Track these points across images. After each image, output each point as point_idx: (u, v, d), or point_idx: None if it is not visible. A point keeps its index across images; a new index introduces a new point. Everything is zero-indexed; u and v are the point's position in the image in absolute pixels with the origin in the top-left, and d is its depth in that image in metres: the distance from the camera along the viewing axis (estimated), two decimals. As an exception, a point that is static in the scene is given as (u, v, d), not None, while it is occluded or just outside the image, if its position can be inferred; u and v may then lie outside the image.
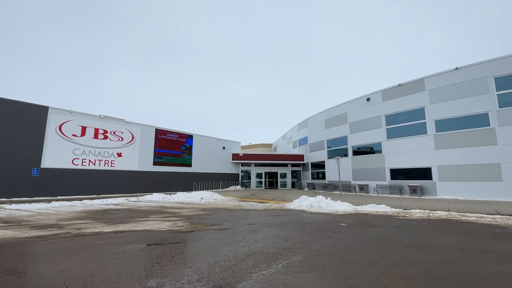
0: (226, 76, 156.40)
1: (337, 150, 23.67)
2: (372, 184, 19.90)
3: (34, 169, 15.95)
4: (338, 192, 19.88)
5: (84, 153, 18.07)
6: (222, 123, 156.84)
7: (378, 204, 11.06)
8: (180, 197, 15.66)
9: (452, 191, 15.27)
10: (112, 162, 19.47)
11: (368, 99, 20.96)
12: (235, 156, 28.35)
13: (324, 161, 25.58)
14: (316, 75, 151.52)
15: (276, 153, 38.54)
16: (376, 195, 18.45)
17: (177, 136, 24.28)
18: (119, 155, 19.91)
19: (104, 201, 13.91)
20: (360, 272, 3.64)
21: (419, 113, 17.42)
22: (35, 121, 16.28)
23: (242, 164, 29.39)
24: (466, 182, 14.85)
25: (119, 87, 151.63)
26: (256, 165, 29.37)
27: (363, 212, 10.24)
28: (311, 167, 27.82)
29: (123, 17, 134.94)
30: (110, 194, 18.58)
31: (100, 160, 18.83)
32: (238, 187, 27.28)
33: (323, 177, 25.52)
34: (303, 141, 30.00)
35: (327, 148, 25.20)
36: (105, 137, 19.37)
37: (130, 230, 6.58)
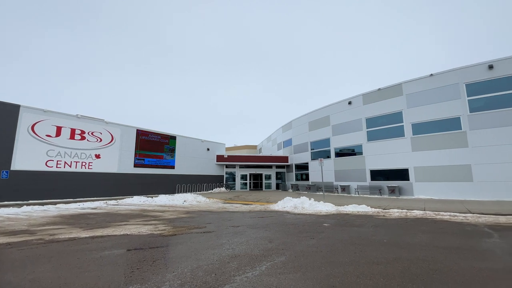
0: (213, 77, 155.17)
1: (320, 152, 24.15)
2: (353, 185, 20.47)
3: (3, 172, 14.91)
4: (321, 193, 20.27)
5: (59, 154, 17.16)
6: (208, 125, 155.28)
7: (359, 205, 11.39)
8: (162, 200, 15.28)
9: (427, 191, 16.06)
10: (90, 164, 18.64)
11: (349, 103, 21.60)
12: (220, 158, 28.13)
13: (307, 163, 26.01)
14: (303, 77, 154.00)
15: (261, 154, 38.67)
16: (357, 195, 19.00)
17: (160, 137, 23.69)
18: (98, 156, 19.11)
19: (81, 205, 13.27)
20: (341, 271, 3.72)
21: (397, 116, 18.20)
22: (5, 120, 15.25)
23: (227, 166, 29.21)
24: (440, 183, 15.68)
25: (106, 88, 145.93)
26: (241, 166, 29.31)
27: (345, 212, 10.50)
28: (295, 168, 28.18)
29: (114, 17, 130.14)
30: (87, 197, 17.76)
31: (76, 162, 17.96)
32: (223, 189, 27.06)
33: (307, 178, 25.93)
34: (288, 143, 30.35)
35: (311, 150, 25.65)
36: (83, 138, 18.52)
37: (109, 235, 6.32)
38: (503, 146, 13.78)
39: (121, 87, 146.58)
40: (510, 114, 13.77)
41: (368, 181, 19.55)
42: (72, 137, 17.97)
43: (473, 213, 9.14)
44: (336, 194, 20.89)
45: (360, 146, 20.54)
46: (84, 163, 18.33)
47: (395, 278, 3.45)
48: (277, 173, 30.55)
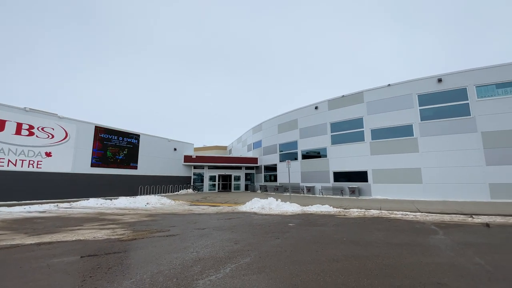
0: (183, 77, 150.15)
1: (288, 154, 24.81)
2: (318, 186, 21.38)
3: None
4: (288, 194, 20.79)
5: (2, 151, 15.14)
6: (177, 124, 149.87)
7: (322, 205, 11.92)
8: (123, 203, 14.34)
9: (383, 192, 17.43)
10: (39, 162, 16.76)
11: (316, 108, 22.56)
12: (188, 158, 27.31)
13: (276, 164, 26.53)
14: (276, 78, 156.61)
15: (231, 155, 38.45)
16: (321, 196, 19.88)
17: (122, 135, 22.23)
18: (48, 154, 17.27)
19: (27, 208, 11.85)
20: (304, 270, 3.85)
21: (359, 122, 19.50)
22: None
23: (195, 167, 28.47)
24: (395, 184, 17.14)
25: (65, 84, 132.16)
26: (210, 167, 28.81)
27: (309, 212, 10.91)
28: (264, 170, 28.54)
29: (81, 12, 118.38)
30: (35, 200, 15.90)
31: (23, 161, 16.01)
32: (190, 190, 26.28)
33: (275, 180, 26.42)
34: (257, 144, 30.63)
35: (279, 151, 26.21)
36: (31, 134, 16.58)
37: (59, 241, 5.74)
38: (448, 152, 15.53)
39: (82, 84, 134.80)
40: (454, 123, 15.58)
41: (331, 183, 20.57)
42: (18, 132, 15.99)
43: (422, 212, 10.12)
44: (302, 194, 21.60)
45: (325, 149, 21.53)
46: (32, 162, 16.42)
47: (352, 274, 3.67)
48: (246, 174, 30.64)
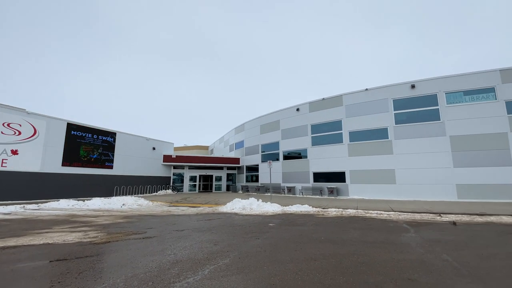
0: (165, 75, 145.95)
1: (270, 155, 24.99)
2: (298, 186, 21.74)
3: None
4: (269, 194, 20.93)
5: (-43, 149, 13.83)
6: (157, 124, 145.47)
7: (302, 205, 12.13)
8: (97, 204, 13.66)
9: (360, 192, 18.09)
10: (4, 161, 15.52)
11: (297, 109, 22.94)
12: (167, 158, 26.59)
13: (258, 165, 26.61)
14: (260, 77, 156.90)
15: (212, 155, 37.99)
16: (301, 196, 20.24)
17: (96, 132, 21.19)
18: (14, 152, 16.04)
19: (-14, 211, 10.92)
20: (282, 269, 3.88)
21: (338, 124, 20.11)
22: None
23: (175, 167, 27.80)
24: (371, 184, 17.85)
25: (38, 79, 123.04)
26: (190, 167, 28.26)
27: (290, 212, 11.05)
28: (246, 170, 28.51)
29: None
30: (-4, 202, 14.70)
31: (-17, 159, 14.75)
32: (169, 191, 25.61)
33: (257, 180, 26.48)
34: (240, 144, 30.54)
35: (261, 152, 26.33)
36: (-7, 130, 15.33)
37: (25, 245, 5.35)
38: (419, 154, 16.44)
39: (55, 80, 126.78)
40: (425, 127, 16.54)
41: (311, 183, 21.00)
42: (-23, 128, 14.70)
43: (395, 211, 10.61)
44: (283, 195, 21.84)
45: (305, 150, 21.94)
46: (-7, 161, 15.17)
47: (329, 273, 3.75)
48: (228, 175, 30.43)
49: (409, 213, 10.13)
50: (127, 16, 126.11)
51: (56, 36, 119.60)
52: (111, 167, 21.90)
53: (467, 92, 15.75)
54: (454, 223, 8.00)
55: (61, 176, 18.45)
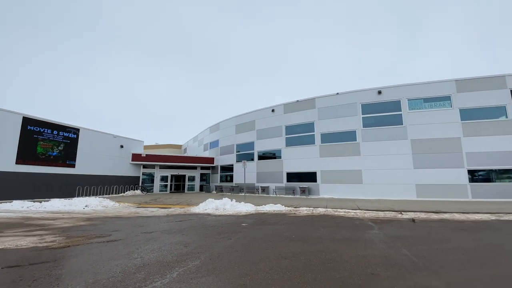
0: (138, 72, 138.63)
1: (245, 155, 25.00)
2: (272, 186, 22.03)
3: None
4: (243, 194, 20.92)
5: None
6: (129, 122, 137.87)
7: (275, 204, 12.30)
8: (56, 205, 12.58)
9: (330, 191, 18.85)
10: None
11: (273, 110, 23.25)
12: (136, 157, 25.31)
13: (233, 165, 26.46)
14: (237, 76, 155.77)
15: (185, 155, 36.97)
16: (275, 195, 20.54)
17: (57, 128, 19.51)
18: (-45, 149, 14.16)
19: None
20: (253, 269, 3.89)
21: (310, 126, 20.77)
22: None
23: (145, 166, 26.55)
24: (340, 184, 18.69)
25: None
26: (162, 167, 27.21)
27: (263, 211, 11.14)
28: (221, 170, 28.20)
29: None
30: None
31: None
32: (138, 191, 24.40)
33: (231, 180, 26.33)
34: (214, 144, 30.12)
35: (236, 152, 26.23)
36: None
37: (-37, 254, 4.74)
38: (384, 156, 17.58)
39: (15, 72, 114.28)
40: (389, 131, 17.74)
41: (284, 183, 21.41)
42: None
43: (361, 210, 11.21)
44: (257, 194, 21.97)
45: (280, 151, 22.31)
46: None
47: (298, 270, 3.84)
48: (202, 175, 29.84)
49: (374, 211, 10.75)
50: (98, 7, 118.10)
51: (11, 20, 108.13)
52: (73, 166, 20.30)
53: (427, 100, 17.18)
54: (413, 220, 8.65)
55: (15, 175, 16.69)
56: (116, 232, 6.83)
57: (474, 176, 15.68)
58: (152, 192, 26.08)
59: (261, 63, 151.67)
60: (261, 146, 23.81)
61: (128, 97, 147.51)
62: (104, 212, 11.56)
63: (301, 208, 11.73)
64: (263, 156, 23.69)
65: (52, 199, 14.12)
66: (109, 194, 21.92)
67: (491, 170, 15.47)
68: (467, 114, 16.24)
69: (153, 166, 26.77)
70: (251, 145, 24.73)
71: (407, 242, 5.63)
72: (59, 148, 19.51)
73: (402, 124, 17.45)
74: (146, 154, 25.82)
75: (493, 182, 15.37)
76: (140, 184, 25.74)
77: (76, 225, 7.96)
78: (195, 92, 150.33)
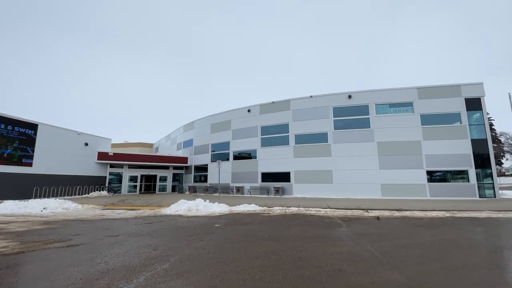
0: (107, 65, 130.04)
1: (221, 154, 24.72)
2: (247, 186, 22.06)
3: None
4: (217, 194, 20.67)
5: None
6: (96, 119, 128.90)
7: (249, 204, 12.33)
8: (9, 208, 11.37)
9: (302, 191, 19.37)
10: None
11: (249, 110, 23.30)
12: (103, 156, 23.78)
13: (207, 164, 26.00)
14: (211, 75, 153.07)
15: (157, 154, 35.55)
16: (250, 195, 20.59)
17: (11, 123, 17.65)
18: None
19: None
20: (225, 270, 3.86)
21: (285, 127, 21.19)
22: None
23: (112, 165, 25.06)
24: (312, 184, 19.29)
25: None
26: (131, 166, 25.89)
27: (237, 212, 11.11)
28: (195, 170, 27.57)
29: None
30: None
31: None
32: (104, 192, 22.96)
33: (206, 180, 25.86)
34: (188, 143, 29.36)
35: (212, 151, 25.83)
36: None
37: None
38: (353, 157, 18.49)
39: None
40: (358, 134, 18.72)
41: (259, 183, 21.56)
42: None
43: (331, 208, 11.66)
44: (231, 195, 21.84)
45: (255, 151, 22.42)
46: None
47: (270, 269, 3.88)
48: (174, 175, 28.90)
49: (343, 210, 11.26)
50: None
51: None
52: (30, 165, 18.51)
53: (392, 105, 18.40)
54: (377, 218, 9.20)
55: (-44, 175, 14.78)
56: (77, 236, 6.36)
57: (432, 176, 17.11)
58: (120, 193, 24.71)
59: (235, 63, 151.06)
60: (236, 146, 23.72)
61: (96, 93, 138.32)
62: (65, 215, 10.71)
63: (274, 208, 11.89)
64: (238, 156, 23.62)
65: (5, 201, 12.74)
66: (71, 196, 20.35)
67: (447, 171, 17.00)
68: (427, 120, 17.67)
69: (121, 166, 25.38)
70: (226, 145, 24.51)
71: (372, 238, 5.97)
72: (14, 145, 17.67)
73: (370, 128, 18.50)
74: (113, 153, 24.38)
75: (448, 182, 16.91)
76: (107, 185, 24.24)
77: (32, 229, 7.27)
78: (168, 90, 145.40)
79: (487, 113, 17.61)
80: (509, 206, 11.62)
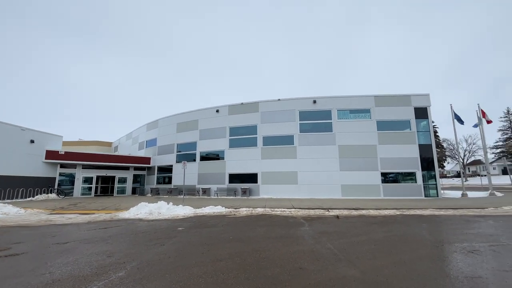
0: (64, 54, 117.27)
1: (187, 155, 23.96)
2: (213, 187, 21.72)
3: None
4: (182, 197, 19.99)
5: None
6: (47, 115, 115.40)
7: (215, 206, 12.15)
8: None
9: (269, 192, 19.73)
10: None
11: (217, 111, 23.01)
12: (52, 154, 21.41)
13: (172, 165, 24.99)
14: (177, 75, 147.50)
15: (116, 153, 33.15)
16: (216, 197, 20.29)
17: None
18: None
19: None
20: (186, 274, 3.73)
21: (253, 129, 21.41)
22: None
23: (63, 165, 22.67)
24: (278, 185, 19.77)
25: None
26: (86, 167, 23.71)
27: (202, 214, 10.86)
28: (158, 171, 26.29)
29: None
30: None
31: None
32: (53, 195, 20.68)
33: (170, 182, 24.81)
34: (152, 142, 27.89)
35: (177, 152, 24.90)
36: None
37: None
38: (316, 159, 19.39)
39: None
40: (321, 137, 19.75)
41: (226, 184, 21.39)
42: None
43: (296, 208, 12.04)
44: (197, 197, 21.29)
45: (223, 152, 22.21)
46: None
47: (233, 271, 3.86)
48: (135, 176, 27.16)
49: (306, 210, 11.70)
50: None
51: None
52: (-44, 164, 15.90)
53: (352, 111, 19.74)
54: (337, 216, 9.74)
55: None
56: (18, 245, 5.64)
57: (386, 177, 18.71)
58: (72, 196, 22.50)
59: (203, 64, 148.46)
60: (204, 147, 23.23)
61: (48, 86, 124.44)
62: (3, 220, 9.40)
63: (241, 209, 11.89)
64: (206, 157, 23.16)
65: None
66: (12, 199, 17.97)
67: (398, 173, 18.72)
68: (382, 126, 19.30)
69: (74, 166, 23.12)
70: (193, 145, 23.86)
71: (331, 236, 6.30)
72: None
73: (332, 131, 19.61)
74: (65, 152, 22.12)
75: (399, 183, 18.63)
76: (56, 187, 21.88)
77: (-44, 240, 6.24)
78: (130, 87, 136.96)
79: (432, 121, 19.86)
80: (449, 204, 13.20)
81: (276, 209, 11.76)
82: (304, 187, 19.14)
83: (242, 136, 21.73)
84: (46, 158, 21.10)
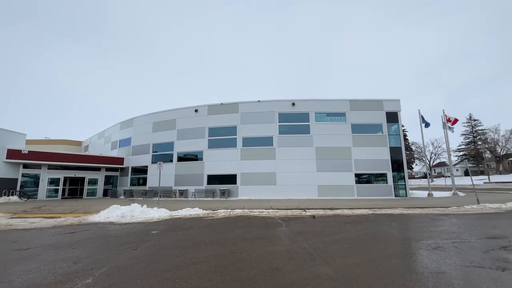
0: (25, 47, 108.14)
1: (163, 155, 23.24)
2: (191, 189, 21.28)
3: None
4: (157, 199, 19.34)
5: None
6: (10, 110, 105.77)
7: (192, 208, 11.89)
8: None
9: (248, 193, 19.75)
10: None
11: (196, 110, 22.60)
12: (14, 154, 19.71)
13: (147, 166, 24.09)
14: (154, 75, 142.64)
15: (86, 153, 31.29)
16: (194, 199, 19.90)
17: None
18: None
19: None
20: (159, 280, 3.62)
21: (233, 130, 21.34)
22: None
23: (27, 166, 20.97)
24: (257, 186, 19.87)
25: None
26: (52, 167, 22.10)
27: (178, 216, 10.58)
28: (132, 172, 25.21)
29: None
30: None
31: None
32: (15, 197, 19.04)
33: (145, 183, 23.89)
34: (126, 142, 26.68)
35: (153, 152, 24.06)
36: None
37: None
38: (294, 160, 19.79)
39: None
40: (300, 139, 20.22)
41: (204, 185, 21.07)
42: None
43: (273, 209, 12.16)
44: (174, 198, 20.72)
45: (201, 152, 21.85)
46: None
47: (208, 274, 3.81)
48: (107, 177, 25.82)
49: (284, 210, 11.86)
50: None
51: None
52: None
53: (329, 114, 20.41)
54: (313, 216, 9.99)
55: None
56: (-32, 254, 5.11)
57: (359, 178, 19.54)
58: (36, 198, 20.88)
59: (180, 63, 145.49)
60: (181, 147, 22.69)
61: (9, 79, 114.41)
62: (-50, 228, 8.46)
63: (219, 211, 11.76)
64: (183, 158, 22.63)
65: None
66: (-37, 203, 16.25)
67: (371, 174, 19.62)
68: (356, 129, 20.16)
69: (39, 166, 21.48)
70: (170, 145, 23.20)
71: (307, 236, 6.44)
72: None
73: (310, 134, 20.13)
74: (28, 151, 20.48)
75: (372, 183, 19.54)
76: (18, 189, 20.19)
77: None
78: (105, 85, 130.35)
79: (402, 125, 21.10)
80: (416, 203, 14.07)
81: (254, 210, 11.79)
82: (282, 188, 19.40)
83: (222, 137, 21.55)
84: (7, 158, 19.39)
